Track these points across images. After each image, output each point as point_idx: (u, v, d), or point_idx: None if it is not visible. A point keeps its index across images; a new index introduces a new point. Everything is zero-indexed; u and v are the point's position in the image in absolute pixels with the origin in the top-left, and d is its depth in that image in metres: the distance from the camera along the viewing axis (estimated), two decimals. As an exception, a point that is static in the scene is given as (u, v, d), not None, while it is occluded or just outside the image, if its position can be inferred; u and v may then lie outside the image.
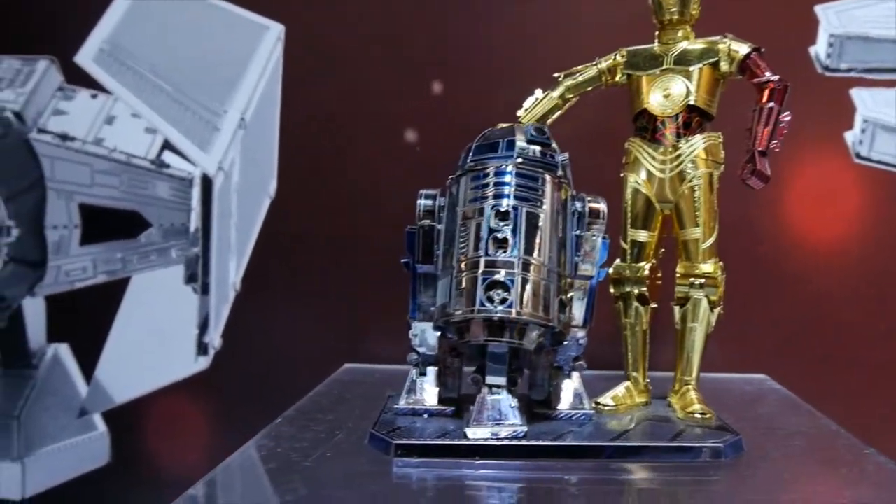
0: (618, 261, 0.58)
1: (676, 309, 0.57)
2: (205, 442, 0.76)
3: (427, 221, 0.51)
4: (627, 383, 0.58)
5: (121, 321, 0.76)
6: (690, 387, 0.57)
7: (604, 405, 0.56)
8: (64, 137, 0.76)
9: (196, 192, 0.73)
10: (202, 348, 0.74)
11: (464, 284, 0.47)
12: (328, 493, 0.44)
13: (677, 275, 0.57)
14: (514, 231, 0.47)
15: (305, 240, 0.73)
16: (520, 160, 0.49)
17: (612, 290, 0.59)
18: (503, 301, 0.45)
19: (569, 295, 0.50)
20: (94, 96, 0.77)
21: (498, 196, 0.48)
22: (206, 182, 0.73)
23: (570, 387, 0.54)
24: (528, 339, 0.47)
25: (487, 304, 0.46)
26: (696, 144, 0.56)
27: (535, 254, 0.47)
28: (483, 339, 0.46)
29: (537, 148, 0.50)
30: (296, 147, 0.74)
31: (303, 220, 0.73)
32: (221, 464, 0.49)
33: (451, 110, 0.73)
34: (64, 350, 0.78)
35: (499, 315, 0.45)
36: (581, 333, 0.53)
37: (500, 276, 0.46)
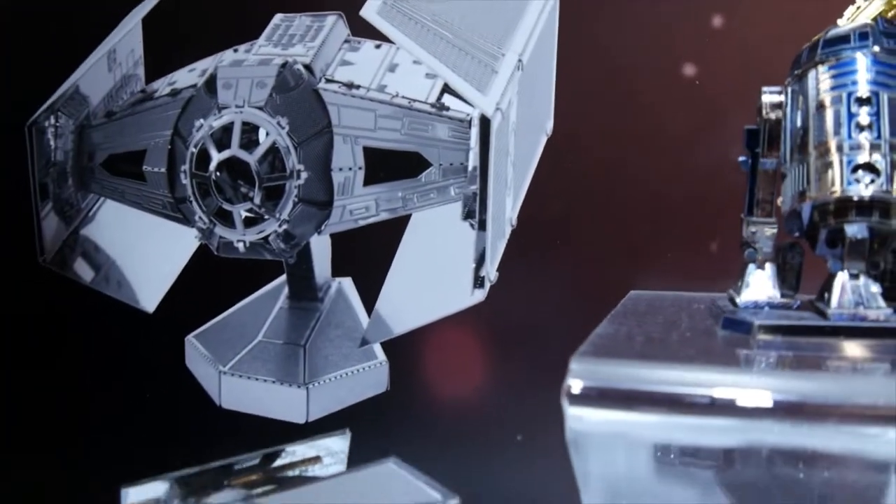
0: None
1: None
2: (479, 370, 0.81)
3: (774, 115, 0.52)
4: None
5: (401, 256, 0.81)
6: None
7: None
8: (350, 86, 0.82)
9: (474, 133, 0.77)
10: (479, 281, 0.78)
11: (823, 168, 0.48)
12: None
13: None
14: (876, 115, 0.48)
15: (582, 176, 0.76)
16: (876, 48, 0.50)
17: None
18: (870, 182, 0.46)
19: None
20: (377, 46, 0.83)
21: (856, 83, 0.49)
22: (484, 122, 0.76)
23: None
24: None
25: (854, 185, 0.46)
26: None
27: None
28: (850, 219, 0.47)
29: (892, 39, 0.50)
30: (572, 85, 0.76)
31: (580, 157, 0.76)
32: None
33: (732, 45, 0.73)
34: (347, 284, 0.84)
35: (869, 195, 0.46)
36: None
37: (866, 157, 0.46)
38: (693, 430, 0.38)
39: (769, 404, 0.36)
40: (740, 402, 0.35)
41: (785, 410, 0.35)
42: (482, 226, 0.79)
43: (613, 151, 0.76)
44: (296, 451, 0.58)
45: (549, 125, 0.78)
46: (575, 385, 0.38)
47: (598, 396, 0.38)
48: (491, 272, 0.79)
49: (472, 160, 0.78)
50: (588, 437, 0.39)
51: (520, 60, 0.76)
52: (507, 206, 0.78)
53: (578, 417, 0.38)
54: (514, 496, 0.81)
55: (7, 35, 0.99)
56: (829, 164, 0.49)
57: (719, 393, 0.36)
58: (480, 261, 0.79)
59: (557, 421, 0.82)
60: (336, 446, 0.60)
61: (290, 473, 0.61)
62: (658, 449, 0.41)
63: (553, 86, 0.78)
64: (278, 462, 0.57)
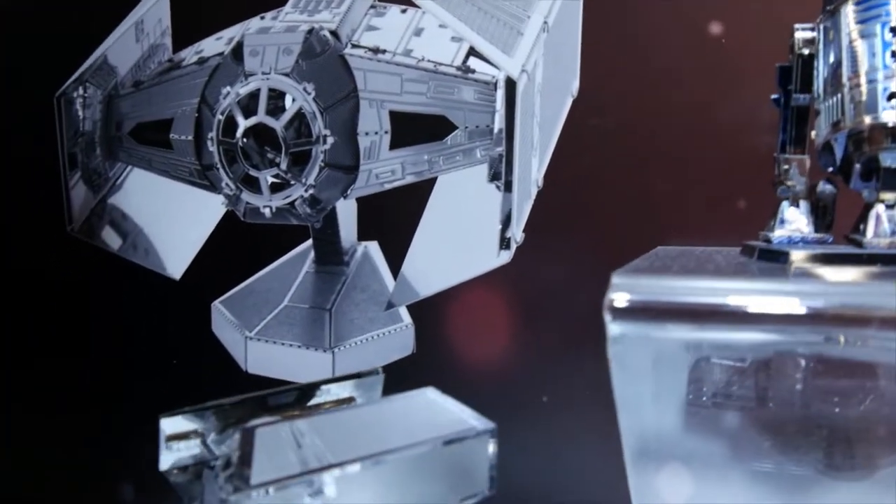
0: None
1: None
2: (504, 331, 0.82)
3: (807, 50, 0.53)
4: None
5: (427, 219, 0.82)
6: None
7: None
8: (376, 51, 0.82)
9: (500, 95, 0.78)
10: (505, 243, 0.79)
11: (857, 98, 0.48)
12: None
13: None
14: None
15: (607, 136, 0.76)
16: None
17: None
18: None
19: None
20: (403, 11, 0.84)
21: (889, 13, 0.49)
22: (510, 85, 0.77)
23: None
24: None
25: (889, 111, 0.47)
26: None
27: None
28: (885, 146, 0.47)
29: None
30: (598, 46, 0.77)
31: (606, 117, 0.76)
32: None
33: (758, 5, 0.73)
34: (373, 248, 0.85)
35: None
36: None
37: None
38: (731, 342, 0.38)
39: (802, 311, 0.36)
40: (776, 310, 0.36)
41: (820, 318, 0.36)
42: (508, 187, 0.80)
43: (639, 111, 0.77)
44: (330, 390, 0.59)
45: (575, 86, 0.79)
46: (618, 298, 0.39)
47: (640, 310, 0.38)
48: (517, 233, 0.80)
49: (498, 122, 0.78)
50: (629, 351, 0.39)
51: (545, 22, 0.77)
52: (532, 167, 0.79)
53: (620, 331, 0.39)
54: (540, 457, 0.82)
55: (36, 7, 1.01)
56: (864, 93, 0.49)
57: (756, 302, 0.37)
58: (506, 222, 0.80)
59: (583, 381, 0.82)
60: (369, 387, 0.61)
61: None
62: (697, 365, 0.42)
63: (578, 47, 0.78)
64: (312, 402, 0.58)
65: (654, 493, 0.44)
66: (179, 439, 0.57)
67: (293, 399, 0.58)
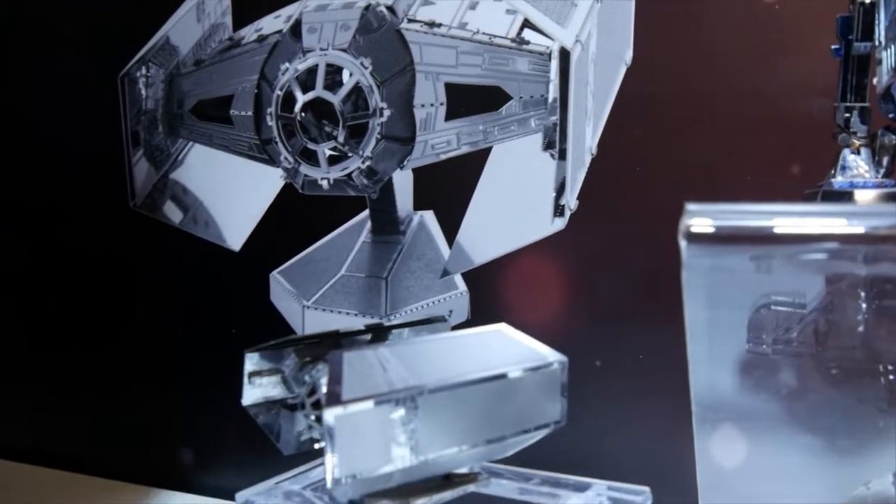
0: None
1: None
2: (558, 298, 0.83)
3: None
4: None
5: (482, 188, 0.84)
6: None
7: None
8: (431, 25, 0.85)
9: (554, 65, 0.79)
10: (559, 210, 0.81)
11: None
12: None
13: None
14: None
15: (660, 103, 0.78)
16: None
17: None
18: None
19: None
20: (458, -15, 0.86)
21: None
22: (564, 55, 0.79)
23: None
24: None
25: None
26: None
27: None
28: None
29: None
30: (651, 14, 0.78)
31: (659, 84, 0.78)
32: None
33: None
34: (429, 217, 0.87)
35: None
36: None
37: None
38: (799, 263, 0.39)
39: (865, 231, 0.37)
40: (842, 230, 0.37)
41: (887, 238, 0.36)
42: (562, 155, 0.81)
43: (692, 78, 0.78)
44: (402, 334, 0.62)
45: (629, 54, 0.80)
46: (695, 224, 0.40)
47: (714, 236, 0.40)
48: (571, 200, 0.82)
49: (553, 92, 0.80)
50: (701, 275, 0.41)
51: (599, -8, 0.79)
52: (587, 134, 0.80)
53: (694, 256, 0.40)
54: (593, 420, 0.83)
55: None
56: None
57: (823, 223, 0.38)
58: (560, 190, 0.82)
59: (635, 346, 0.84)
60: (437, 332, 0.63)
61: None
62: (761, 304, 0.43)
63: (632, 16, 0.80)
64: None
65: (719, 432, 0.45)
66: (261, 375, 0.60)
67: (366, 341, 0.61)
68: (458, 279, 0.87)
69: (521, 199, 0.82)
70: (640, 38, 0.79)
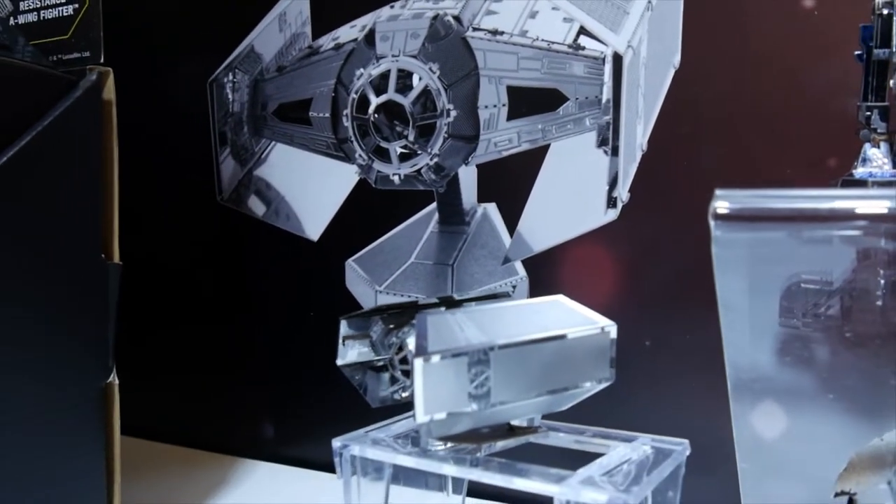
0: None
1: None
2: (611, 283, 0.90)
3: (886, 11, 0.60)
4: None
5: (540, 182, 0.91)
6: None
7: None
8: (494, 32, 0.92)
9: (608, 69, 0.86)
10: (612, 202, 0.88)
11: None
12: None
13: None
14: None
15: (706, 103, 0.84)
16: None
17: None
18: None
19: None
20: (519, -4, 0.94)
21: None
22: (617, 59, 0.86)
23: None
24: None
25: None
26: None
27: None
28: None
29: None
30: (699, 21, 0.84)
31: (705, 86, 0.84)
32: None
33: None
34: (492, 208, 0.95)
35: None
36: None
37: None
38: (824, 242, 0.45)
39: (884, 211, 0.43)
40: (858, 210, 0.43)
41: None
42: (615, 151, 0.88)
43: (736, 80, 0.84)
44: (471, 306, 0.69)
45: (677, 58, 0.86)
46: (721, 206, 0.46)
47: (740, 216, 0.46)
48: (623, 193, 0.89)
49: (606, 93, 0.87)
50: (729, 252, 0.47)
51: (649, 1, 0.85)
52: (637, 132, 0.87)
53: (723, 236, 0.46)
54: (643, 395, 0.90)
55: (190, 4, 1.14)
56: None
57: (840, 203, 0.44)
58: (613, 183, 0.89)
59: (683, 328, 0.90)
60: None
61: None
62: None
63: (680, 22, 0.86)
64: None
65: (753, 405, 0.52)
66: (353, 339, 0.69)
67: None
68: (519, 266, 0.95)
69: (576, 192, 0.90)
70: (688, 43, 0.85)
